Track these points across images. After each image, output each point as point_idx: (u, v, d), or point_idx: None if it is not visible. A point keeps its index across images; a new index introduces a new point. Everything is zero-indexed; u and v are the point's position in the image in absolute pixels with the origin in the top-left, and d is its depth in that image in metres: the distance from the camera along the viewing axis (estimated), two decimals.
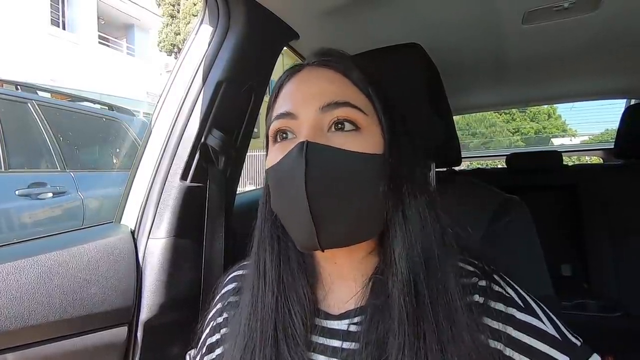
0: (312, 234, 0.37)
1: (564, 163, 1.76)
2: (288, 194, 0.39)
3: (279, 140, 0.42)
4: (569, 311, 1.28)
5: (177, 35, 12.15)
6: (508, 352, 0.39)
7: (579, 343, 0.40)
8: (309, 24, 0.89)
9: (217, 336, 0.49)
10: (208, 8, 0.77)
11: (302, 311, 0.42)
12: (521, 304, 0.41)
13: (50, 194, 2.45)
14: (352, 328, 0.41)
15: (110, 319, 0.66)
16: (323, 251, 0.39)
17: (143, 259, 0.73)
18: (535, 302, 0.42)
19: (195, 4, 11.48)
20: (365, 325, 0.39)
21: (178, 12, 12.13)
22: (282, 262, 0.44)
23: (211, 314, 0.51)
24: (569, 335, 0.40)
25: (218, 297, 0.52)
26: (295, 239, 0.41)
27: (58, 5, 10.78)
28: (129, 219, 0.77)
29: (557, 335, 0.39)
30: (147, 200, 0.76)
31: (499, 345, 0.39)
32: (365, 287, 0.42)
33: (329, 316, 0.43)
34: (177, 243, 0.75)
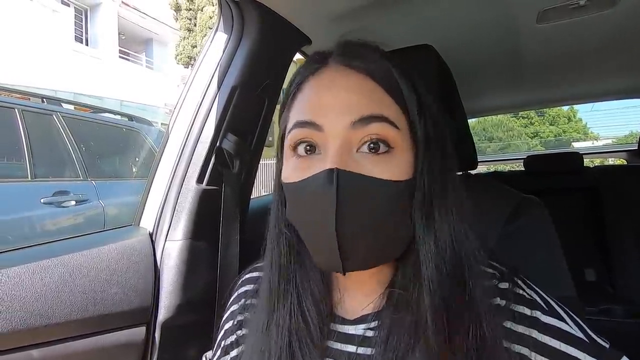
0: (336, 262, 0.36)
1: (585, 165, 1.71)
2: (312, 217, 0.37)
3: (300, 152, 0.39)
4: (593, 317, 1.23)
5: (194, 48, 12.48)
6: (533, 356, 0.37)
7: (607, 346, 0.38)
8: (321, 29, 0.91)
9: (232, 338, 0.48)
10: (223, 16, 0.80)
11: (318, 316, 0.41)
12: (544, 306, 0.39)
13: (73, 202, 2.54)
14: (369, 333, 0.40)
15: (130, 319, 0.68)
16: (344, 275, 0.38)
17: (161, 261, 0.75)
18: (558, 304, 0.40)
19: (211, 17, 11.79)
20: (384, 332, 0.38)
21: (195, 25, 12.48)
22: (296, 267, 0.43)
23: (225, 316, 0.51)
24: (596, 338, 0.38)
25: (232, 298, 0.52)
26: (315, 259, 0.40)
27: (82, 22, 11.30)
28: (147, 222, 0.79)
29: (585, 338, 0.37)
30: (164, 203, 0.78)
31: (524, 350, 0.37)
32: (382, 294, 0.41)
33: (345, 321, 0.42)
34: (194, 245, 0.77)
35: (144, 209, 0.80)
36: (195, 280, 0.76)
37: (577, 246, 1.53)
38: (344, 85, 0.38)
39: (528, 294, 0.40)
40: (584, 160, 1.73)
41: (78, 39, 10.97)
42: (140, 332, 0.69)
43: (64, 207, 2.49)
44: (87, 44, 11.32)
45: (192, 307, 0.75)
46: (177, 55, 12.95)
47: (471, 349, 0.35)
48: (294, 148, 0.39)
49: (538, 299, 0.40)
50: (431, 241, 0.38)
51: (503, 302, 0.39)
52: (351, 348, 0.40)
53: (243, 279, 0.53)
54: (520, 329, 0.38)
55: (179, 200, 0.77)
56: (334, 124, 0.37)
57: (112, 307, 0.65)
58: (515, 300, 0.39)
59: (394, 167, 0.37)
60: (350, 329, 0.41)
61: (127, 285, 0.68)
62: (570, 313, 0.40)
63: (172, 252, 0.75)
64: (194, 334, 0.77)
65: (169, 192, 0.78)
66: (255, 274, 0.52)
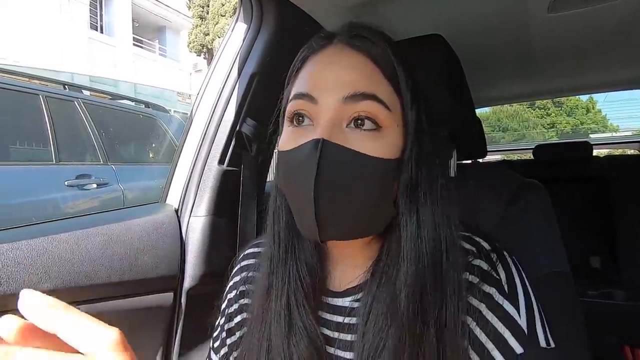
0: (313, 228, 0.38)
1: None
2: (296, 185, 0.39)
3: (295, 123, 0.41)
4: (593, 299, 1.26)
5: (206, 35, 12.51)
6: (478, 332, 0.39)
7: (546, 346, 0.38)
8: (334, 19, 0.94)
9: (235, 306, 0.52)
10: (243, 7, 0.85)
11: (312, 283, 0.44)
12: (506, 288, 0.40)
13: (95, 185, 2.66)
14: (354, 305, 0.43)
15: (159, 285, 0.75)
16: (322, 242, 0.40)
17: (186, 235, 0.82)
18: (526, 293, 0.41)
19: (223, 5, 11.77)
20: (367, 304, 0.41)
21: (207, 13, 12.48)
22: (293, 237, 0.45)
23: (229, 286, 0.55)
24: (540, 335, 0.39)
25: (235, 271, 0.55)
26: (298, 226, 0.42)
27: (97, 10, 11.42)
28: (173, 199, 0.86)
29: (525, 329, 0.38)
30: (188, 182, 0.85)
31: (471, 322, 0.39)
32: (368, 269, 0.43)
33: (334, 294, 0.45)
34: (215, 221, 0.83)
35: (169, 187, 0.87)
36: (216, 253, 0.83)
37: (583, 234, 1.55)
38: (343, 62, 0.40)
39: (497, 272, 0.41)
40: (602, 152, 1.73)
41: (93, 27, 11.11)
42: (168, 297, 0.77)
43: (86, 189, 2.61)
44: (102, 32, 11.46)
45: (213, 277, 0.82)
46: (190, 43, 13.00)
47: (437, 322, 0.37)
48: (291, 119, 0.41)
49: (503, 280, 0.40)
50: (413, 222, 0.39)
51: (470, 278, 0.40)
52: (339, 318, 0.43)
53: (244, 253, 0.56)
54: (475, 302, 0.40)
55: (202, 180, 0.84)
56: (328, 97, 0.38)
57: (145, 273, 0.72)
58: (480, 277, 0.40)
59: (380, 145, 0.38)
60: (339, 301, 0.44)
61: (157, 255, 0.75)
62: (534, 306, 0.40)
63: (196, 227, 0.82)
64: (215, 302, 0.84)
65: (193, 172, 0.85)
66: (256, 249, 0.55)
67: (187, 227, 0.82)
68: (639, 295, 1.27)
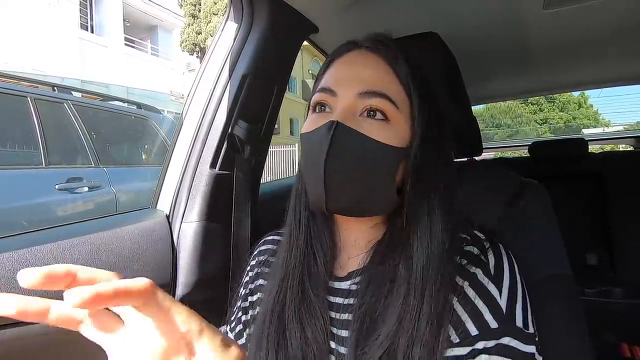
0: (321, 197, 0.43)
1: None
2: (311, 160, 0.44)
3: (317, 111, 0.47)
4: (591, 297, 1.26)
5: (198, 34, 12.41)
6: (454, 302, 0.41)
7: (525, 330, 0.40)
8: (328, 18, 0.92)
9: (251, 286, 0.56)
10: (233, 6, 0.82)
11: (324, 258, 0.48)
12: (492, 271, 0.42)
13: (86, 188, 2.61)
14: (353, 287, 0.46)
15: None
16: (329, 213, 0.45)
17: (177, 241, 0.79)
18: (513, 279, 0.42)
19: (215, 3, 11.68)
20: (364, 285, 0.44)
21: (199, 11, 12.37)
22: (310, 219, 0.50)
23: (246, 270, 0.58)
24: (519, 316, 0.40)
25: (254, 253, 0.59)
26: (309, 198, 0.47)
27: (87, 10, 11.27)
28: (164, 204, 0.83)
29: (504, 307, 0.40)
30: (179, 186, 0.82)
31: (453, 299, 0.41)
32: (368, 252, 0.47)
33: (338, 278, 0.48)
34: (208, 226, 0.81)
35: (160, 192, 0.85)
36: (209, 259, 0.80)
37: (579, 231, 1.55)
38: (362, 63, 0.46)
39: (485, 257, 0.43)
40: (594, 147, 1.73)
41: (83, 27, 10.96)
42: None
43: (77, 193, 2.56)
44: (92, 32, 11.31)
45: (207, 283, 0.80)
46: (182, 42, 12.90)
47: (433, 303, 0.40)
48: (314, 108, 0.48)
49: (491, 264, 0.43)
50: (424, 212, 0.43)
51: (463, 262, 0.43)
52: (339, 300, 0.47)
53: (264, 239, 0.60)
54: (460, 281, 0.42)
55: (193, 184, 0.81)
56: (345, 91, 0.44)
57: None
58: (469, 260, 0.43)
59: (388, 134, 0.43)
60: (341, 285, 0.48)
61: (148, 263, 0.72)
62: (519, 293, 0.42)
63: (187, 233, 0.79)
64: (209, 309, 0.82)
65: (184, 176, 0.82)
66: (276, 237, 0.58)
67: (178, 233, 0.80)
68: (637, 293, 1.27)
